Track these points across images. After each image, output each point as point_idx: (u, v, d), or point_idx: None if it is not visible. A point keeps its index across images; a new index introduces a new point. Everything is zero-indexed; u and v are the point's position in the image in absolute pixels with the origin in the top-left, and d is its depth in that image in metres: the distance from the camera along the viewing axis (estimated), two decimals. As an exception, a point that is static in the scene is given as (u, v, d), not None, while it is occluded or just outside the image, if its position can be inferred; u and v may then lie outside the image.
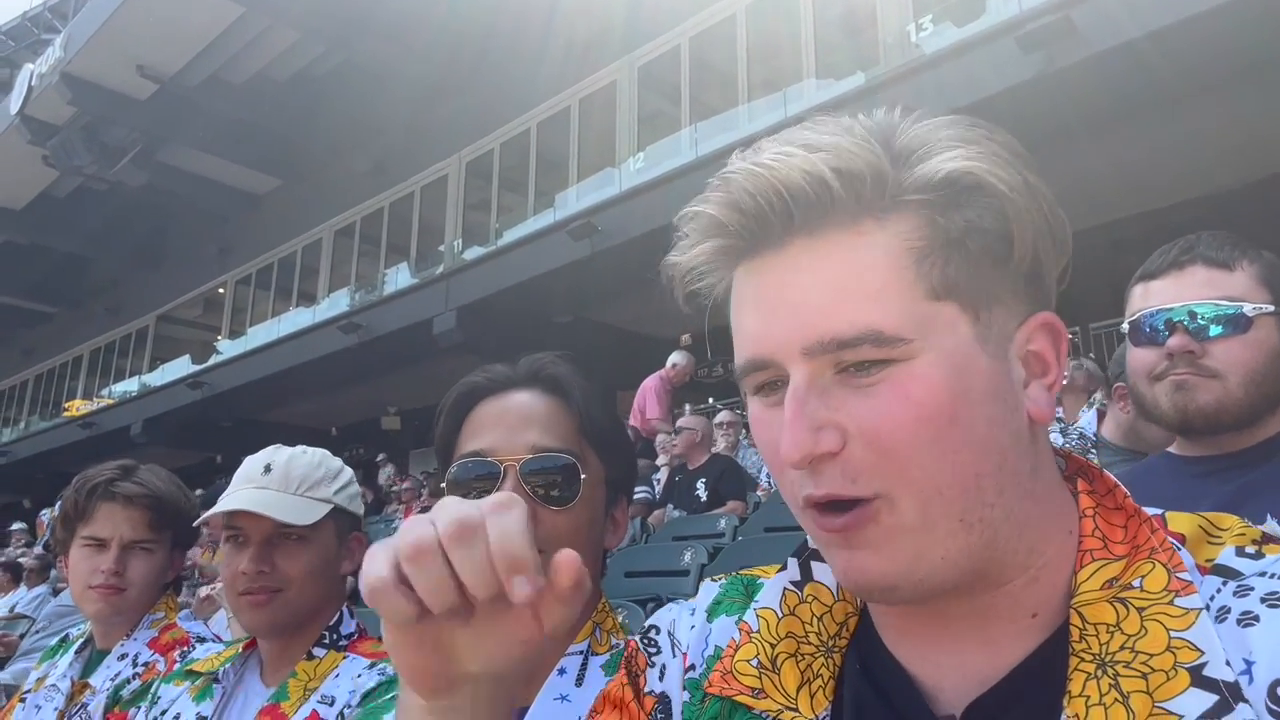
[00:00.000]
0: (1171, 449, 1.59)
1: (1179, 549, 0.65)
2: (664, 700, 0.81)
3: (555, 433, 1.12)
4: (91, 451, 19.01)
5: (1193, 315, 1.41)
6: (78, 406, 20.29)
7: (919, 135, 0.65)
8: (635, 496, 6.54)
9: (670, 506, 6.30)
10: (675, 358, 8.28)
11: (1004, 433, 0.64)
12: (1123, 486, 0.70)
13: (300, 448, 1.62)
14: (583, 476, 1.11)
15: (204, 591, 4.65)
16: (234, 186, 18.13)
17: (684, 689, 0.79)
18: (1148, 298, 1.48)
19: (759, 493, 6.56)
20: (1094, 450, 2.36)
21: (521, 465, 1.09)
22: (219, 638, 2.03)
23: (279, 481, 1.54)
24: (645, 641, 0.85)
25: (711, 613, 0.82)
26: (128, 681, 1.85)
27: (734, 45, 10.39)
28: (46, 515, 12.46)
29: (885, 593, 0.64)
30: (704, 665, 0.79)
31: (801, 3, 9.72)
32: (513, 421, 1.12)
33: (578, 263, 10.76)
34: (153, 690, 1.67)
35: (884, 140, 0.64)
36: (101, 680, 1.88)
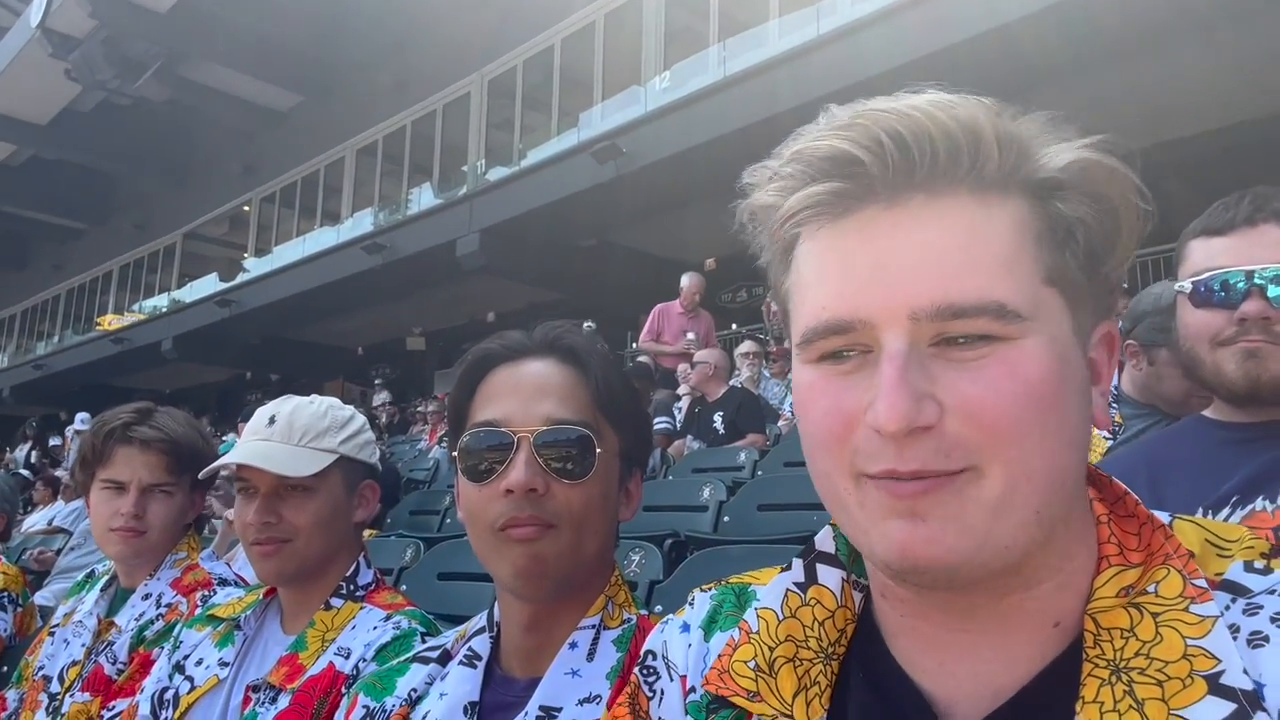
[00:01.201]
0: (1207, 412, 1.53)
1: (1192, 557, 0.64)
2: None
3: (571, 404, 1.09)
4: (124, 366, 19.40)
5: (1268, 279, 1.32)
6: (110, 321, 20.58)
7: (1034, 123, 0.63)
8: (656, 427, 6.56)
9: (690, 438, 6.31)
10: (683, 279, 8.17)
11: (1085, 431, 0.63)
12: (1133, 494, 0.68)
13: (310, 397, 1.61)
14: (598, 450, 1.08)
15: (228, 515, 4.74)
16: (257, 103, 17.94)
17: (686, 713, 0.78)
18: (1211, 255, 1.38)
19: (780, 423, 6.55)
20: (1115, 404, 2.30)
21: (535, 437, 1.06)
22: (241, 577, 2.05)
23: (282, 433, 1.54)
24: (645, 672, 0.84)
25: (708, 630, 0.81)
26: (151, 622, 1.88)
27: (766, -44, 9.99)
28: (71, 432, 12.75)
29: (945, 572, 0.60)
30: (703, 680, 0.78)
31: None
32: (528, 391, 1.10)
33: (602, 185, 10.61)
34: (175, 633, 1.70)
35: (997, 119, 0.62)
36: (126, 620, 1.91)
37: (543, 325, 1.16)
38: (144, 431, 1.94)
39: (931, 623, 0.68)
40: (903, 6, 8.29)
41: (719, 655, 0.77)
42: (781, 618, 0.75)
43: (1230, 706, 0.56)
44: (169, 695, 1.57)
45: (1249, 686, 0.56)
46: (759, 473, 4.48)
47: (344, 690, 1.38)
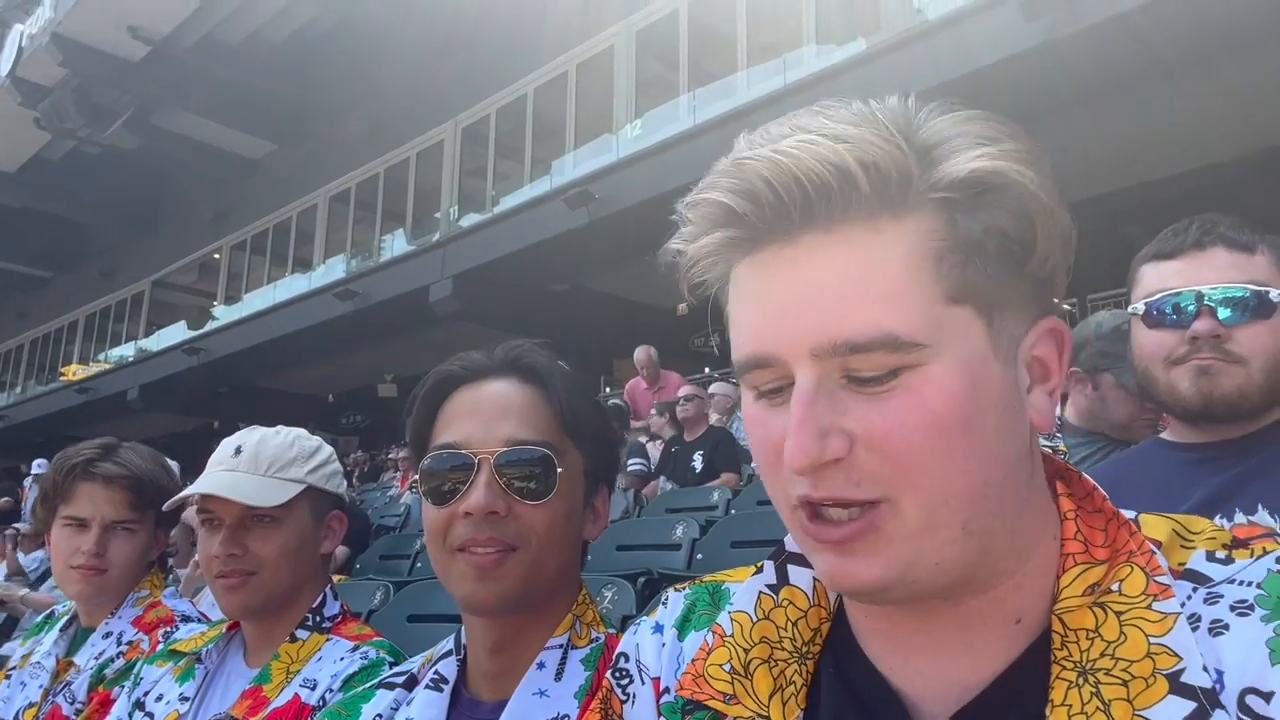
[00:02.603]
0: (1165, 435, 1.57)
1: (1155, 553, 0.64)
2: None
3: (532, 424, 1.09)
4: (89, 416, 19.04)
5: (1217, 299, 1.36)
6: (74, 371, 20.25)
7: (940, 129, 0.62)
8: (630, 468, 6.55)
9: (663, 479, 6.30)
10: (635, 354, 8.32)
11: (1012, 441, 0.63)
12: (1100, 489, 0.69)
13: (275, 428, 1.60)
14: (559, 470, 1.08)
15: (198, 557, 4.66)
16: (228, 150, 17.97)
17: (660, 715, 0.78)
18: (1162, 278, 1.43)
19: (753, 464, 6.56)
20: (1058, 434, 2.33)
21: (496, 458, 1.06)
22: (205, 615, 2.01)
23: (249, 463, 1.52)
24: (617, 675, 0.83)
25: (682, 629, 0.81)
26: (111, 660, 1.83)
27: (733, 9, 10.23)
28: (29, 480, 12.47)
29: (874, 595, 0.63)
30: (677, 684, 0.77)
31: (802, -34, 9.56)
32: (488, 412, 1.09)
33: (574, 231, 10.69)
34: (135, 670, 1.66)
35: (905, 133, 0.61)
36: (86, 659, 1.87)
37: (504, 345, 1.16)
38: (106, 468, 1.91)
39: (894, 624, 0.69)
40: (868, 57, 8.53)
41: (692, 660, 0.77)
42: (755, 620, 0.75)
43: (1190, 705, 0.56)
44: None
45: (1208, 684, 0.57)
46: (732, 511, 4.48)
47: (308, 722, 1.36)
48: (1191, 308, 1.39)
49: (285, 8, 14.73)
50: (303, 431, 1.62)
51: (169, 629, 1.84)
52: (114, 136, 16.59)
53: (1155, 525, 0.67)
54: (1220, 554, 0.64)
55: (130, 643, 1.86)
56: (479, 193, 13.03)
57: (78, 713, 1.79)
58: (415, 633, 2.87)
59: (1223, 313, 1.37)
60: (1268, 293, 1.35)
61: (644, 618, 0.86)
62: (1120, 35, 6.76)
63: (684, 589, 0.85)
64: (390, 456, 12.83)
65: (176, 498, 1.54)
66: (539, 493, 1.07)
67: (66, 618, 2.01)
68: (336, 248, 15.09)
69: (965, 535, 0.61)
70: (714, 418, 7.31)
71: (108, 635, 1.90)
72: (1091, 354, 2.24)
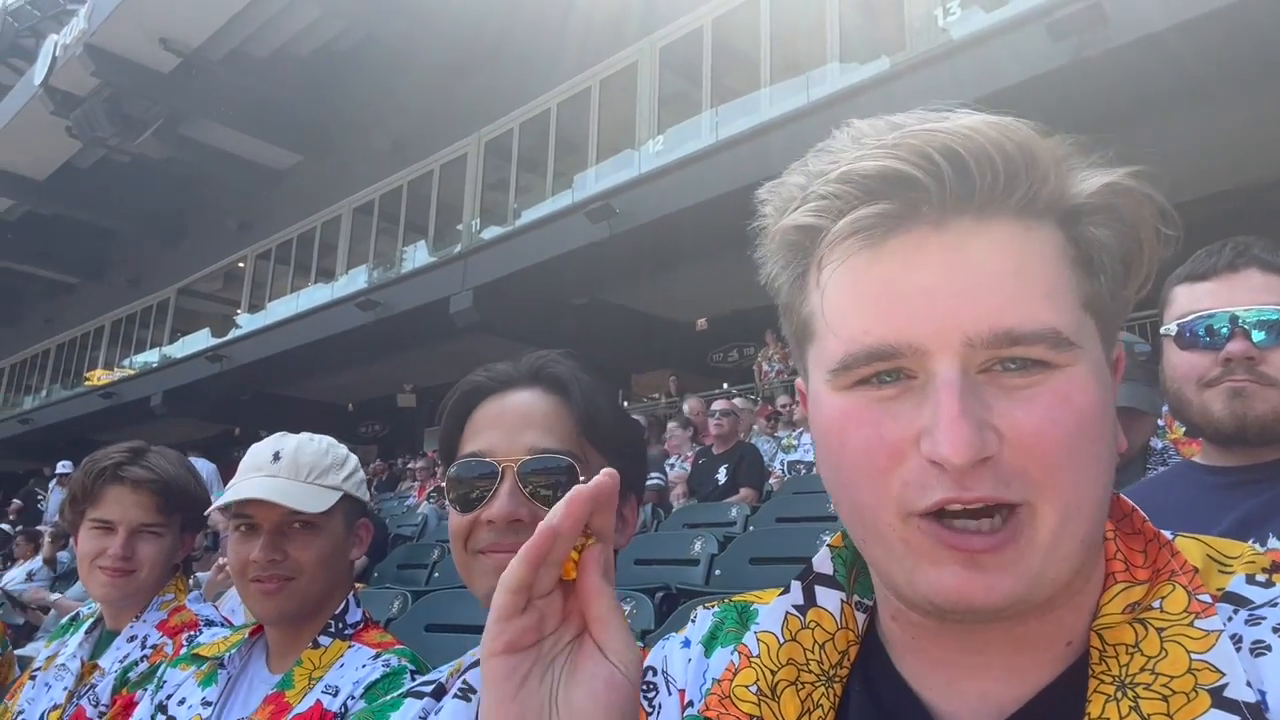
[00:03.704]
0: (1196, 458, 1.55)
1: (1197, 573, 0.64)
2: None
3: (555, 433, 1.10)
4: (112, 421, 19.24)
5: (1251, 320, 1.36)
6: (99, 376, 20.48)
7: (1060, 144, 0.62)
8: (648, 483, 6.55)
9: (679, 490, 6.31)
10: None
11: (1114, 455, 0.63)
12: (1140, 510, 0.68)
13: (307, 435, 1.61)
14: (582, 478, 1.08)
15: (221, 560, 4.68)
16: (255, 161, 18.17)
17: None
18: (1195, 299, 1.42)
19: (771, 480, 6.54)
20: None
21: (520, 466, 1.07)
22: (228, 620, 2.03)
23: (289, 469, 1.54)
24: (644, 688, 0.82)
25: (709, 646, 0.80)
26: (135, 664, 1.85)
27: (757, 27, 10.27)
28: (53, 484, 12.60)
29: (996, 614, 0.58)
30: (702, 700, 0.77)
31: (827, -16, 9.59)
32: (512, 422, 1.10)
33: (595, 244, 10.72)
34: (159, 674, 1.67)
35: (1041, 144, 0.61)
36: (110, 662, 1.88)
37: (530, 355, 1.17)
38: (135, 471, 1.93)
39: (942, 646, 0.67)
40: (891, 76, 8.53)
41: (718, 680, 0.76)
42: (782, 641, 0.74)
43: (1234, 719, 0.56)
44: None
45: (1252, 699, 0.56)
46: (750, 528, 4.46)
47: (331, 729, 1.36)
48: (1225, 329, 1.38)
49: (313, 23, 14.92)
50: (332, 439, 1.63)
51: (192, 633, 1.85)
52: (143, 146, 16.80)
53: (1189, 548, 0.66)
54: (1260, 577, 0.64)
55: (155, 646, 1.87)
56: (500, 205, 13.11)
57: (101, 715, 1.80)
58: (433, 642, 2.87)
59: (1256, 335, 1.36)
60: None
61: (672, 634, 0.86)
62: (1148, 56, 6.73)
63: (713, 607, 0.85)
64: (409, 466, 12.88)
65: (221, 500, 1.54)
66: None
67: (91, 620, 2.03)
68: (359, 258, 15.21)
69: (1081, 549, 0.59)
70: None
71: (132, 639, 1.92)
72: None
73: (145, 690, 1.70)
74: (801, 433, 7.38)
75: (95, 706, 1.82)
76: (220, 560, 4.81)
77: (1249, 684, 0.57)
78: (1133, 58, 6.80)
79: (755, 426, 7.94)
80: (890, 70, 8.70)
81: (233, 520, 1.55)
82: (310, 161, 17.65)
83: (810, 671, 0.73)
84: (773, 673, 0.73)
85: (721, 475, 6.21)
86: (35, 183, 19.43)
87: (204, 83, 15.44)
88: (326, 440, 1.62)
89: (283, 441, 1.58)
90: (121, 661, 1.87)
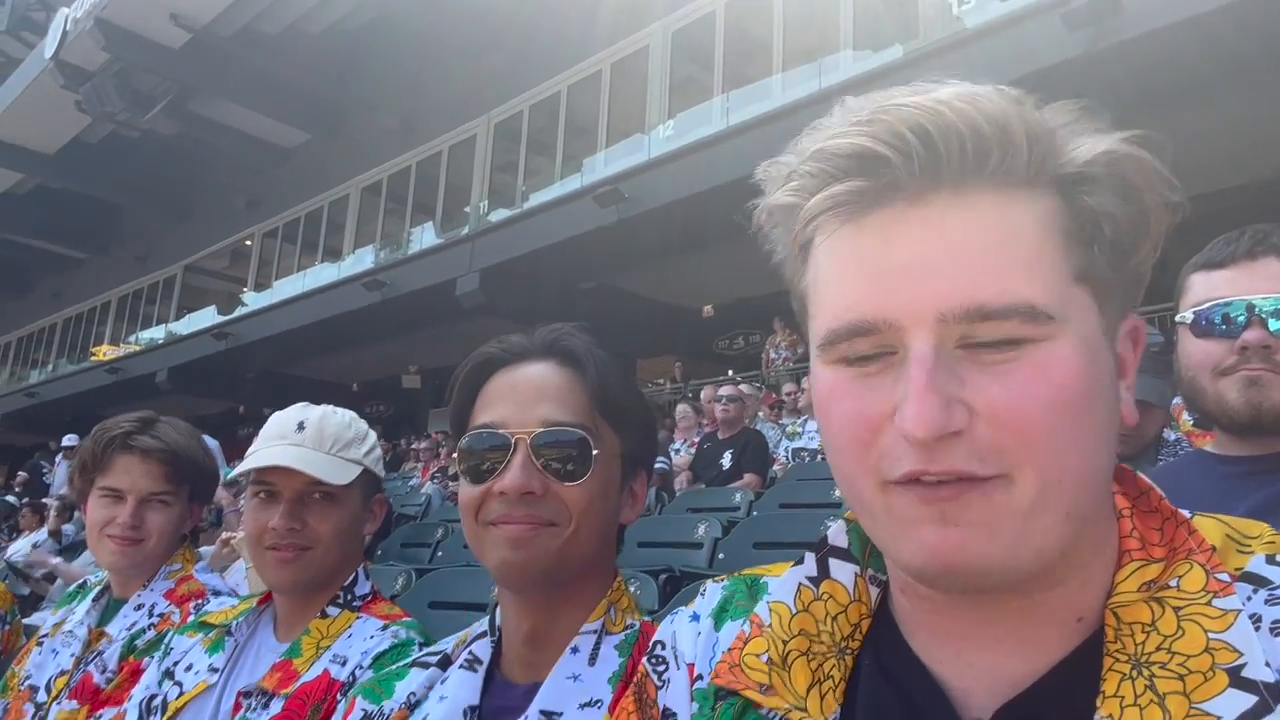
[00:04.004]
0: (1209, 447, 1.55)
1: (1215, 552, 0.64)
2: (669, 715, 0.79)
3: (568, 406, 1.10)
4: (117, 396, 19.31)
5: (1269, 309, 1.35)
6: (105, 352, 20.54)
7: (1059, 112, 0.62)
8: (654, 467, 6.55)
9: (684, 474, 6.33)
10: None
11: (1112, 429, 0.62)
12: (1157, 489, 0.68)
13: (329, 407, 1.61)
14: (595, 452, 1.08)
15: (225, 535, 4.70)
16: (264, 139, 18.15)
17: (692, 700, 0.77)
18: (1212, 288, 1.41)
19: (775, 467, 6.55)
20: None
21: (533, 439, 1.07)
22: (235, 591, 2.03)
23: (313, 439, 1.53)
24: (653, 662, 0.83)
25: (718, 619, 0.80)
26: (143, 631, 1.86)
27: (770, 12, 10.21)
28: (59, 458, 12.66)
29: (977, 577, 0.59)
30: (711, 671, 0.76)
31: (841, -30, 9.53)
32: (525, 394, 1.10)
33: (603, 229, 10.70)
34: (166, 640, 1.68)
35: (1024, 113, 0.61)
36: (118, 629, 1.89)
37: (543, 328, 1.17)
38: (145, 441, 1.93)
39: (953, 618, 0.67)
40: (904, 65, 8.48)
41: (729, 649, 0.76)
42: (795, 611, 0.74)
43: (1252, 699, 0.55)
44: (156, 702, 1.55)
45: (1271, 679, 0.56)
46: (754, 513, 4.46)
47: (339, 697, 1.37)
48: (1242, 318, 1.36)
49: (323, 1, 14.86)
50: (354, 413, 1.63)
51: (200, 602, 1.86)
52: (153, 121, 16.79)
53: (1208, 528, 0.66)
54: None
55: (162, 615, 1.88)
56: (509, 188, 13.09)
57: (108, 681, 1.81)
58: (436, 619, 2.88)
59: (1274, 324, 1.35)
60: None
61: (681, 608, 0.86)
62: (1164, 48, 6.69)
63: (723, 580, 0.85)
64: (413, 447, 12.91)
65: (244, 466, 1.52)
66: (575, 473, 1.07)
67: (99, 589, 2.04)
68: (366, 238, 15.21)
69: (1067, 522, 0.59)
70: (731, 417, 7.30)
71: (139, 607, 1.92)
72: None
73: (152, 657, 1.71)
74: (806, 420, 7.38)
75: (102, 673, 1.83)
76: (224, 535, 4.83)
77: (1268, 664, 0.57)
78: (1148, 49, 6.75)
79: (760, 414, 7.93)
80: (903, 59, 8.66)
81: (252, 486, 1.54)
82: (319, 140, 17.63)
83: (822, 643, 0.73)
84: (784, 642, 0.73)
85: (726, 460, 6.22)
86: (45, 157, 19.44)
87: (214, 59, 15.42)
88: (349, 414, 1.62)
89: (307, 412, 1.58)
90: (129, 629, 1.87)
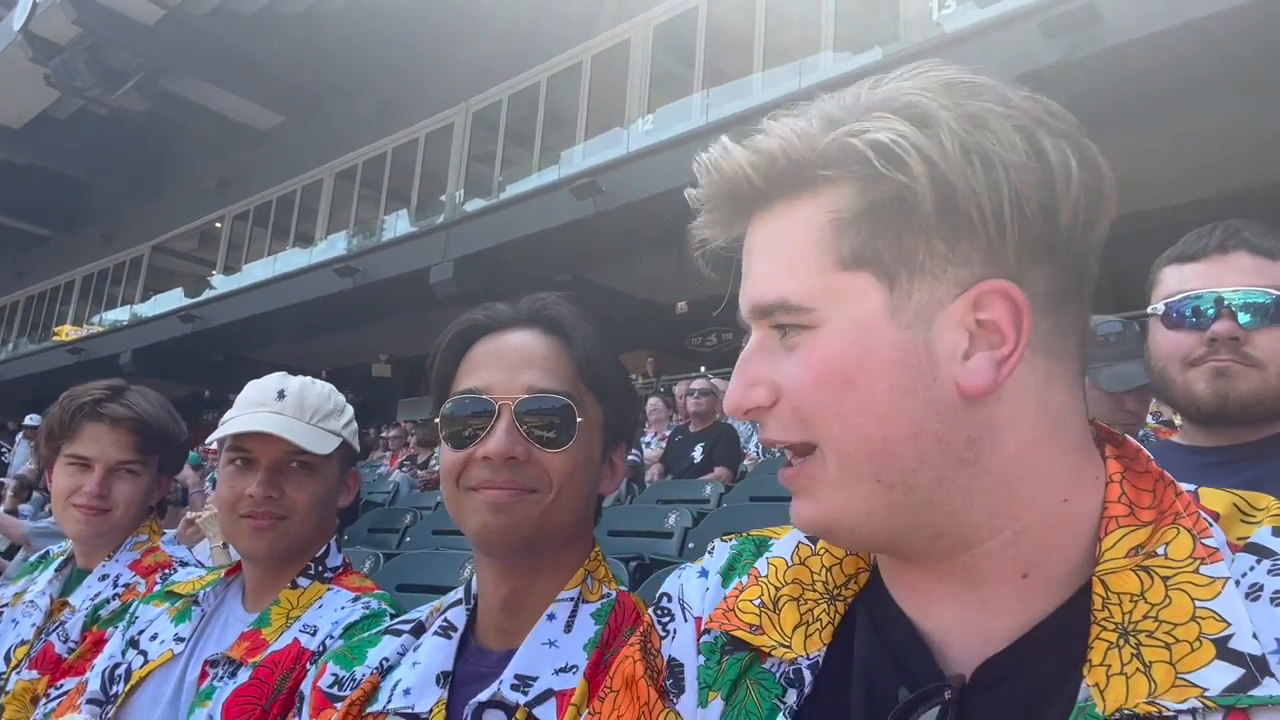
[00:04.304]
0: (1177, 438, 1.57)
1: (1211, 525, 0.64)
2: (674, 665, 0.80)
3: (553, 374, 1.10)
4: (80, 377, 18.68)
5: (1237, 302, 1.37)
6: (67, 332, 20.17)
7: (861, 103, 0.66)
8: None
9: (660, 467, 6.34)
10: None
11: (915, 402, 0.63)
12: (1145, 450, 0.69)
13: (308, 378, 1.59)
14: (579, 420, 1.08)
15: (190, 515, 4.63)
16: (237, 120, 17.89)
17: (699, 653, 0.79)
18: (1184, 280, 1.44)
19: (746, 461, 6.57)
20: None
21: (517, 405, 1.07)
22: (201, 564, 2.01)
23: (294, 408, 1.52)
24: (659, 613, 0.85)
25: (726, 576, 0.82)
26: (107, 602, 1.83)
27: (752, 10, 10.24)
28: (19, 438, 12.43)
29: (822, 535, 0.73)
30: (709, 619, 0.79)
31: (824, -29, 9.57)
32: (511, 360, 1.10)
33: (580, 222, 10.67)
34: (130, 610, 1.65)
35: (832, 117, 0.66)
36: (81, 599, 1.86)
37: (528, 297, 1.17)
38: (114, 409, 1.90)
39: (911, 573, 0.71)
40: (882, 66, 8.50)
41: (726, 596, 0.79)
42: (790, 564, 0.78)
43: (1238, 672, 0.56)
44: (120, 670, 1.52)
45: (1258, 651, 0.56)
46: (724, 504, 4.48)
47: (309, 666, 1.35)
48: (1211, 310, 1.39)
49: (304, -19, 14.68)
50: (332, 386, 1.62)
51: (167, 573, 1.83)
52: (123, 98, 16.48)
53: (1215, 498, 0.67)
54: None
55: (127, 585, 1.85)
56: (486, 178, 13.01)
57: (70, 651, 1.78)
58: (404, 601, 2.85)
59: (1242, 316, 1.37)
60: None
61: (688, 564, 0.88)
62: (1140, 57, 6.80)
63: (731, 539, 0.86)
64: (382, 435, 12.82)
65: (225, 430, 1.48)
66: (558, 441, 1.07)
67: (62, 558, 2.00)
68: (339, 224, 15.05)
69: (884, 488, 0.64)
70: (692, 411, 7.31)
71: (104, 577, 1.89)
72: None
73: (116, 627, 1.68)
74: (778, 417, 7.40)
75: (64, 643, 1.79)
76: (188, 514, 4.76)
77: (1255, 636, 0.57)
78: (1124, 59, 6.85)
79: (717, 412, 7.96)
80: (883, 61, 8.71)
81: (228, 453, 1.52)
82: (293, 123, 17.41)
83: (815, 590, 0.76)
84: (776, 589, 0.76)
85: (697, 453, 6.23)
86: (10, 131, 19.02)
87: (188, 37, 15.15)
88: (328, 385, 1.61)
89: (286, 381, 1.56)
90: (93, 599, 1.84)
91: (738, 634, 0.75)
